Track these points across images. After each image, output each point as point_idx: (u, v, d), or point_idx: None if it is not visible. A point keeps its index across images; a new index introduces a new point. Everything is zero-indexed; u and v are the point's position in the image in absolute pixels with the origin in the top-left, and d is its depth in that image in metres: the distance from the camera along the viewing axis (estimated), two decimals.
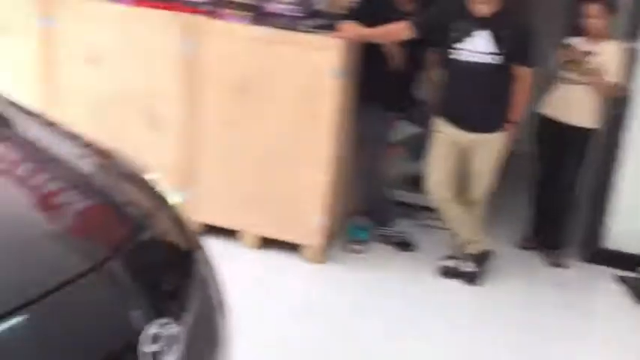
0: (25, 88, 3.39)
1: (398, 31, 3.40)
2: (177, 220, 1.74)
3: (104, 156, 1.83)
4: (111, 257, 1.36)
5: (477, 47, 3.24)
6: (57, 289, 1.19)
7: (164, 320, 1.32)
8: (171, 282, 1.52)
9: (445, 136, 3.45)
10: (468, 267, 3.57)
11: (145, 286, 1.39)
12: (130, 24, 3.54)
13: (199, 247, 1.74)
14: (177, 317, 1.38)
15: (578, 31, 3.74)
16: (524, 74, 3.32)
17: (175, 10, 3.48)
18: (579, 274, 3.89)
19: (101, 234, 1.46)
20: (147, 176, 1.84)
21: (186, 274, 1.57)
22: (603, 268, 3.94)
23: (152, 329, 1.28)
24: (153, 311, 1.34)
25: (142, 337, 1.25)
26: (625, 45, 3.70)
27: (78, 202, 1.56)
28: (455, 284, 3.57)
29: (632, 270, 3.89)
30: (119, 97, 3.63)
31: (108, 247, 1.39)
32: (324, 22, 3.45)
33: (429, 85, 3.88)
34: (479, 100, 3.33)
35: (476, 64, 3.26)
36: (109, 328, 1.26)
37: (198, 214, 3.45)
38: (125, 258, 1.39)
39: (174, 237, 1.68)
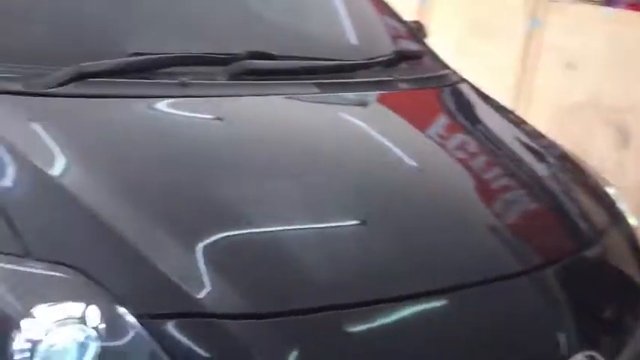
0: (499, 87, 3.49)
1: None
2: (633, 246, 1.50)
3: (565, 161, 1.71)
4: (548, 265, 1.24)
5: None
6: (488, 281, 1.14)
7: (593, 353, 1.14)
8: (612, 312, 1.31)
9: None
10: None
11: (579, 307, 1.22)
12: (618, 29, 3.27)
13: None
14: (610, 355, 1.17)
15: None
16: None
17: None
18: None
19: (543, 239, 1.35)
20: (607, 190, 1.64)
21: (631, 308, 1.33)
22: None
23: (577, 359, 1.12)
24: (582, 339, 1.17)
25: None
26: None
27: (526, 203, 1.49)
28: None
29: None
30: (588, 106, 3.42)
31: (547, 254, 1.27)
32: None
33: None
34: None
35: None
36: (531, 341, 1.14)
37: None
38: (564, 270, 1.25)
39: (625, 263, 1.46)
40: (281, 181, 1.23)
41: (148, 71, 1.33)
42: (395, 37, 2.00)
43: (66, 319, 0.78)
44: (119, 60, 1.32)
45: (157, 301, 0.87)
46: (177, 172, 1.15)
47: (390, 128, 1.53)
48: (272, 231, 1.11)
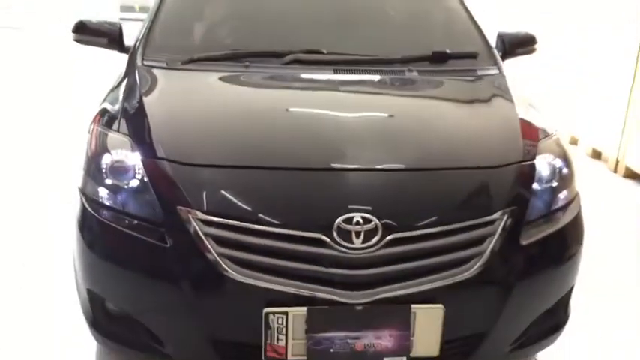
0: None
1: None
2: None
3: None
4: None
5: None
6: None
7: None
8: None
9: None
10: None
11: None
12: None
13: None
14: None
15: None
16: None
17: None
18: None
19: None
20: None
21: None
22: None
23: None
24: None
25: None
26: None
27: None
28: None
29: None
30: None
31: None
32: None
33: None
34: None
35: None
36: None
37: None
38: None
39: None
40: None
41: (232, 60, 2.21)
42: (451, 42, 2.42)
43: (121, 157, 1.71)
44: (214, 53, 2.23)
45: (150, 152, 1.70)
46: (203, 106, 1.96)
47: (373, 93, 2.22)
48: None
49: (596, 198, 3.67)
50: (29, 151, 4.30)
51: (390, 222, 1.54)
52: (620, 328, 2.31)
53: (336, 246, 1.51)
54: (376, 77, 2.21)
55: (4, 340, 2.10)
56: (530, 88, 5.57)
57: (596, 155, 4.49)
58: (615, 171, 4.17)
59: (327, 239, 1.52)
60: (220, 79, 2.13)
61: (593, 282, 2.57)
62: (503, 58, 2.49)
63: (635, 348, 2.20)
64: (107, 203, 1.66)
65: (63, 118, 5.09)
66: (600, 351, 2.17)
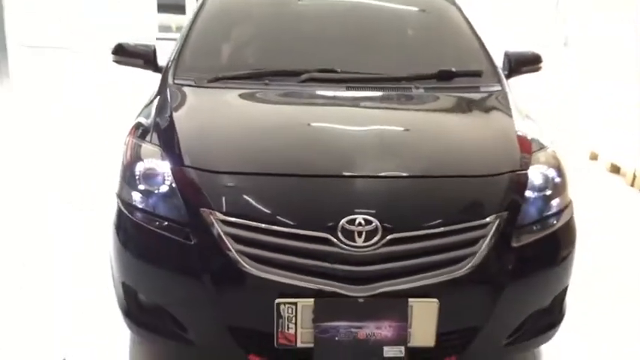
0: None
1: None
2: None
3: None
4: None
5: None
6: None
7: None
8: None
9: None
10: None
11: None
12: None
13: None
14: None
15: None
16: None
17: None
18: None
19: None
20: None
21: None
22: None
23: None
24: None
25: None
26: None
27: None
28: None
29: None
30: None
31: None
32: None
33: None
34: None
35: None
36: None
37: None
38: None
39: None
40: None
41: (253, 78, 2.42)
42: (457, 62, 2.57)
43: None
44: (237, 72, 2.44)
45: (177, 161, 1.90)
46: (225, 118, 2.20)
47: (384, 107, 2.42)
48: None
49: (612, 210, 3.79)
50: (29, 152, 4.47)
51: (390, 223, 1.70)
52: (627, 337, 2.39)
53: (340, 244, 1.68)
54: (385, 94, 2.40)
55: (4, 340, 2.14)
56: (553, 105, 5.73)
57: (615, 170, 4.58)
58: (633, 185, 4.26)
59: (333, 238, 1.69)
60: (242, 95, 2.33)
61: (607, 291, 2.68)
62: (510, 75, 2.63)
63: None
64: (140, 206, 1.87)
65: (64, 120, 5.32)
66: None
